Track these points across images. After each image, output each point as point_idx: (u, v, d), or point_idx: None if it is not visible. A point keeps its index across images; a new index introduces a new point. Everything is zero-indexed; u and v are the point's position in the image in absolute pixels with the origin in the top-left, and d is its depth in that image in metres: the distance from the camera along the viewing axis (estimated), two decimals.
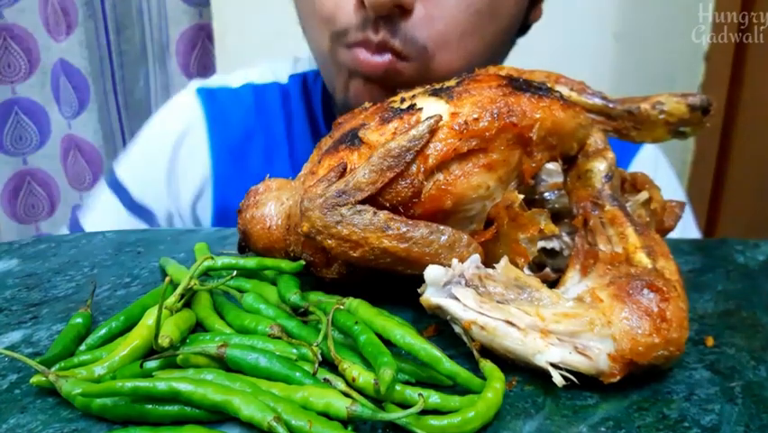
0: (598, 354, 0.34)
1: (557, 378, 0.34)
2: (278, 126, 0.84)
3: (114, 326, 0.40)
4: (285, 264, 0.44)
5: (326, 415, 0.31)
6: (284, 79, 0.87)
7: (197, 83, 0.87)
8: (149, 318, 0.38)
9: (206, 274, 0.46)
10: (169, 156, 0.82)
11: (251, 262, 0.44)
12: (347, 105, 0.69)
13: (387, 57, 0.64)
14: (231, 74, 0.88)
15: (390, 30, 0.63)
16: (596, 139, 0.45)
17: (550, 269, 0.46)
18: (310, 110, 0.85)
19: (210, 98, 0.84)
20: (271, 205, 0.46)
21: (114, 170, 0.83)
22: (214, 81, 0.87)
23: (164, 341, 0.35)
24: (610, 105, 0.47)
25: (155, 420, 0.32)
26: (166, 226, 0.83)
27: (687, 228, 0.82)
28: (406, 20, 0.63)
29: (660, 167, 0.85)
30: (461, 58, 0.67)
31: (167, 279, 0.36)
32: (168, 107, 0.88)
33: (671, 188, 0.83)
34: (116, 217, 0.81)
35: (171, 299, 0.39)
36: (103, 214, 0.82)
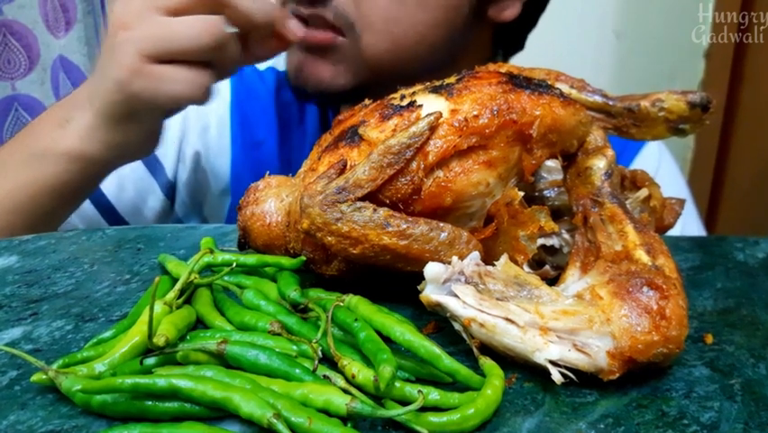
0: (597, 352, 0.34)
1: (556, 375, 0.34)
2: (292, 113, 0.86)
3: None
4: (285, 261, 0.44)
5: (326, 412, 0.31)
6: None
7: None
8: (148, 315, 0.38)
9: (210, 271, 0.46)
10: (189, 113, 0.83)
11: (251, 258, 0.44)
12: (292, 78, 0.73)
13: (328, 33, 0.69)
14: None
15: (320, 3, 0.67)
16: (596, 136, 0.45)
17: (549, 266, 0.46)
18: None
19: (239, 72, 0.86)
20: (271, 202, 0.46)
21: None
22: None
23: (159, 340, 0.35)
24: (610, 103, 0.47)
25: (155, 417, 0.32)
26: (171, 180, 0.83)
27: (690, 224, 0.82)
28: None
29: (663, 163, 0.85)
30: (386, 41, 0.69)
31: (156, 279, 0.36)
32: None
33: (675, 185, 0.83)
34: None
35: (171, 295, 0.39)
36: None
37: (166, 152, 0.82)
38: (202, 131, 0.83)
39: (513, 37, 0.84)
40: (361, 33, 0.68)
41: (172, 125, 0.82)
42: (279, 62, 0.88)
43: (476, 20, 0.75)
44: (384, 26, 0.68)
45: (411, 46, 0.70)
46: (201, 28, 0.54)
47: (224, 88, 0.85)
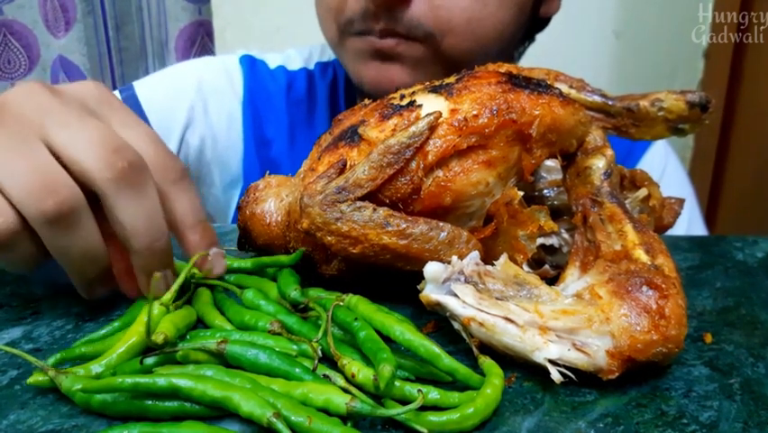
0: (596, 351, 0.35)
1: (555, 375, 0.34)
2: (301, 113, 0.86)
3: (116, 326, 0.40)
4: (284, 257, 0.44)
5: (326, 411, 0.31)
6: (311, 66, 0.89)
7: (242, 51, 0.88)
8: (146, 315, 0.38)
9: None
10: (197, 101, 0.82)
11: (247, 263, 0.45)
12: (371, 89, 0.72)
13: (394, 40, 0.68)
14: (268, 53, 0.90)
15: (392, 18, 0.67)
16: (595, 136, 0.45)
17: (549, 266, 0.46)
18: (334, 98, 0.87)
19: (252, 69, 0.86)
20: (271, 201, 0.46)
21: (133, 87, 0.82)
22: (255, 54, 0.89)
23: (158, 338, 0.35)
24: (609, 103, 0.47)
25: (155, 416, 0.32)
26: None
27: (694, 224, 0.82)
28: (406, 9, 0.66)
29: (670, 164, 0.85)
30: (470, 42, 0.70)
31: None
32: (211, 59, 0.89)
33: (680, 185, 0.83)
34: None
35: (167, 295, 0.39)
36: None
37: (169, 138, 0.81)
38: (210, 121, 0.82)
39: (533, 32, 0.85)
40: (443, 38, 0.68)
41: (177, 113, 0.81)
42: (289, 62, 0.88)
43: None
44: (467, 27, 0.69)
45: (489, 44, 0.71)
46: None
47: (236, 82, 0.85)
